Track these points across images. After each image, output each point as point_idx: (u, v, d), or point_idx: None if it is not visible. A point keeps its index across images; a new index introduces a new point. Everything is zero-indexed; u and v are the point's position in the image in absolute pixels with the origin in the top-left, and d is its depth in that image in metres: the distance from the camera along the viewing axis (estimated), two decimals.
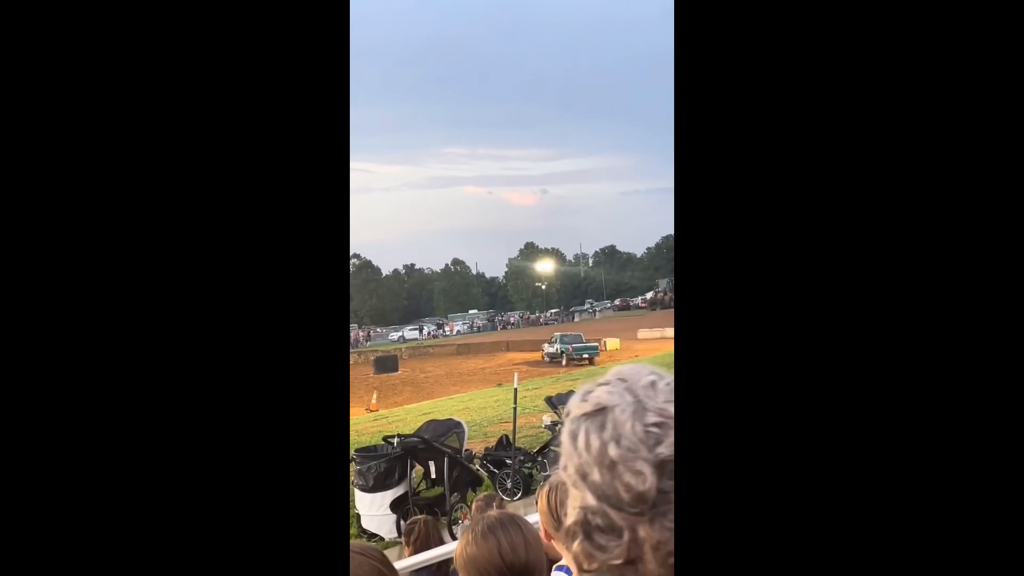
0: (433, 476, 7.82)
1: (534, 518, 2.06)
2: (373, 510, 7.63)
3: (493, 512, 1.59)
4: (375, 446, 8.63)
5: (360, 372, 35.22)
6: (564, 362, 33.44)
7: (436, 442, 7.78)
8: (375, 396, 23.64)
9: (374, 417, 19.04)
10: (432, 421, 8.78)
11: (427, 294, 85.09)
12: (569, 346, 34.42)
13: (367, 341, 55.00)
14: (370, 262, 78.09)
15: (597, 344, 36.03)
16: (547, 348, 36.13)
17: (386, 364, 35.06)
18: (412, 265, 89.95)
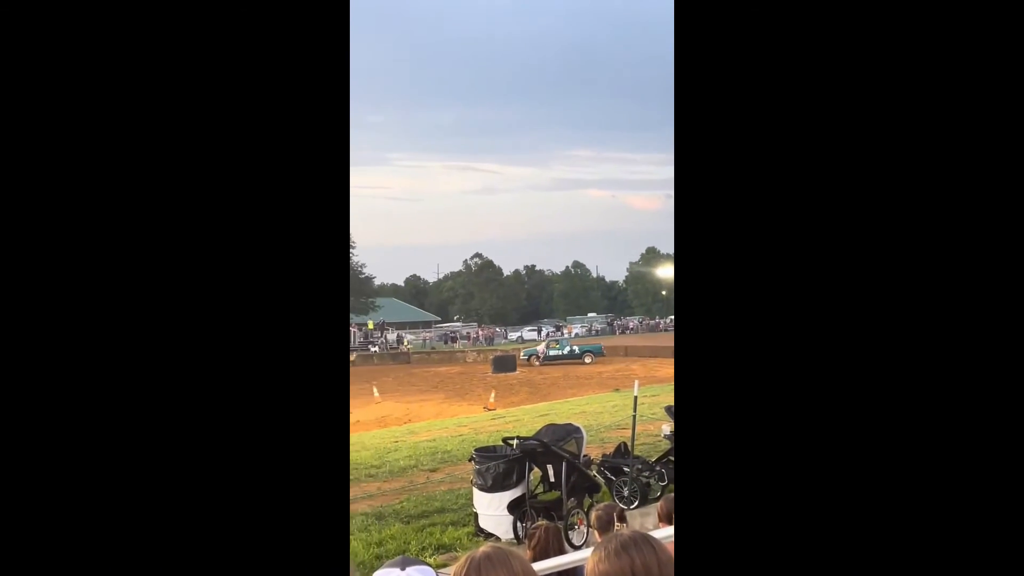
0: (551, 480, 7.85)
1: (660, 533, 2.05)
2: (491, 510, 7.73)
3: (626, 531, 1.60)
4: (494, 446, 8.75)
5: (479, 370, 35.75)
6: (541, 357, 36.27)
7: (555, 446, 7.80)
8: (493, 395, 23.93)
9: (491, 416, 19.28)
10: (551, 425, 8.82)
11: (546, 296, 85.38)
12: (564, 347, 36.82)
13: (488, 341, 55.73)
14: (491, 262, 79.11)
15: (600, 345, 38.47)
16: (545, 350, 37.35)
17: (504, 364, 35.40)
18: (533, 266, 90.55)
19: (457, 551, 7.09)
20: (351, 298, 50.92)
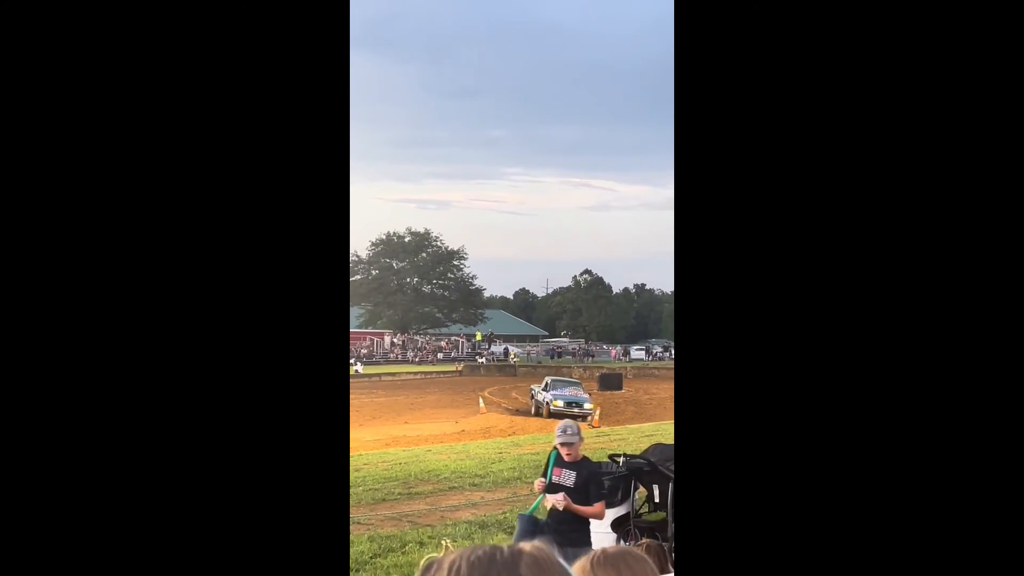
0: (656, 500, 7.69)
1: None
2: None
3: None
4: (600, 463, 8.68)
5: (584, 387, 35.60)
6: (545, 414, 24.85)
7: (662, 466, 7.64)
8: (598, 412, 23.74)
9: (596, 433, 19.13)
10: (659, 444, 8.65)
11: (655, 315, 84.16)
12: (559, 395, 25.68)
13: (588, 357, 55.46)
14: (601, 279, 78.80)
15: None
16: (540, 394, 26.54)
17: (611, 382, 35.08)
18: (643, 285, 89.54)
19: None
20: (461, 309, 51.78)
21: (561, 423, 5.59)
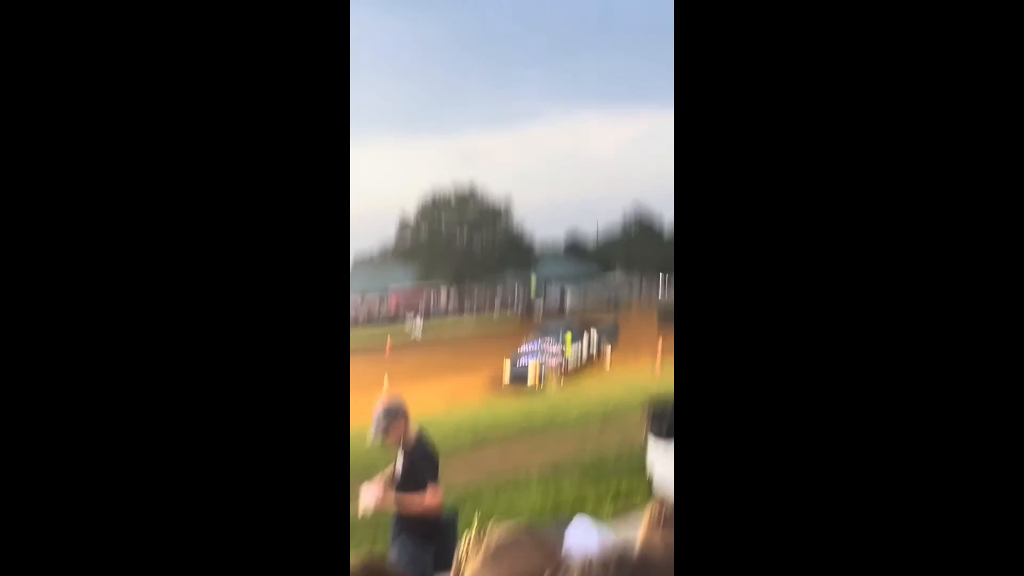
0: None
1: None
2: (670, 458, 7.66)
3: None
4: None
5: (644, 321, 35.48)
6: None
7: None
8: (661, 342, 23.71)
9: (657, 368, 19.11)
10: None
11: None
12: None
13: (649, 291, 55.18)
14: (650, 212, 77.98)
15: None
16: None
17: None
18: None
19: (636, 499, 7.09)
20: (513, 256, 51.84)
21: (377, 407, 4.18)
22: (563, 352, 21.66)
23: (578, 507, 6.89)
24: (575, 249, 64.42)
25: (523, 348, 22.30)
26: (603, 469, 8.36)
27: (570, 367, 21.33)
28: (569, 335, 22.11)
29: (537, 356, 21.07)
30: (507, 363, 21.30)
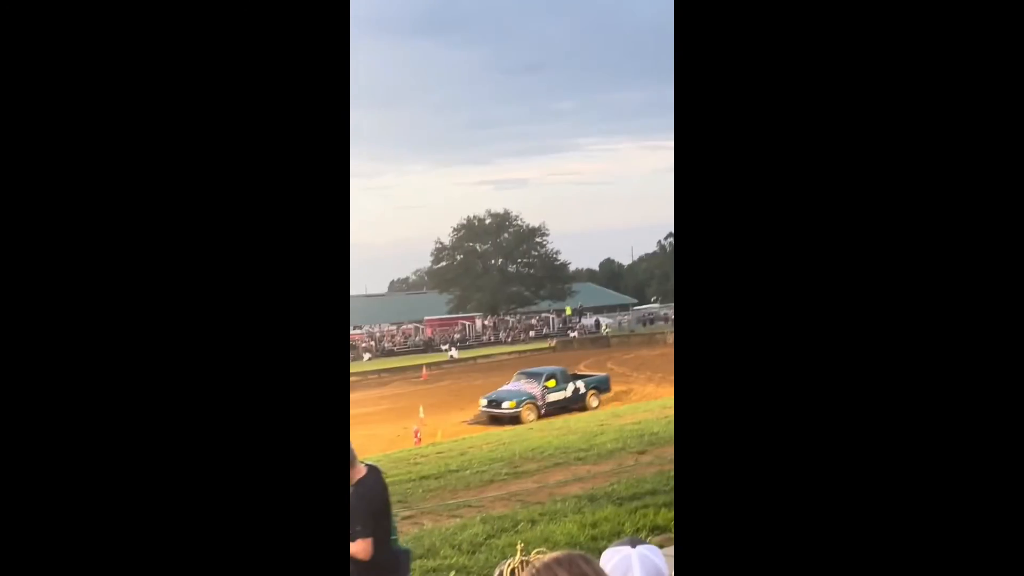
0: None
1: None
2: None
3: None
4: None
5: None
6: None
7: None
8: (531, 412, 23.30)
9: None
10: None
11: None
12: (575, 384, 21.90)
13: None
14: None
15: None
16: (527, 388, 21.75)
17: None
18: None
19: (672, 533, 7.01)
20: (548, 285, 51.79)
21: None
22: (543, 395, 21.57)
23: (614, 537, 6.82)
24: (610, 279, 64.13)
25: (503, 388, 22.47)
26: (640, 501, 8.28)
27: (546, 409, 21.20)
28: (553, 382, 21.94)
29: (514, 396, 21.25)
30: (482, 400, 21.76)
